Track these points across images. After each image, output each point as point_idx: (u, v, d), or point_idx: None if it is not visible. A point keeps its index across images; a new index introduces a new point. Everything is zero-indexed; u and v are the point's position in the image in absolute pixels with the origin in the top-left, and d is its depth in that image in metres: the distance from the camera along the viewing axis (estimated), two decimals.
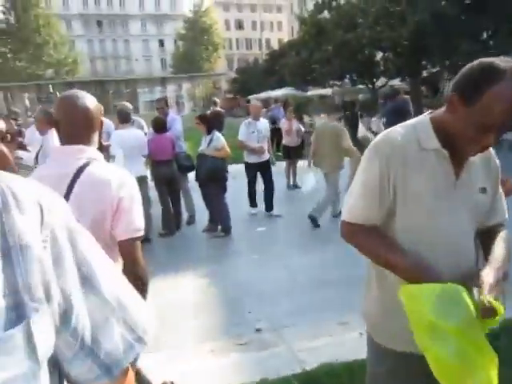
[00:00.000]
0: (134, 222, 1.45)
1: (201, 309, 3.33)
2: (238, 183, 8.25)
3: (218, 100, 10.13)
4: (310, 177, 6.62)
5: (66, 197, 1.40)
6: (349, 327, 2.81)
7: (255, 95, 33.21)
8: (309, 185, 6.86)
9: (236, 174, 9.27)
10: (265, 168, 5.87)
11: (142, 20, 62.10)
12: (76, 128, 1.49)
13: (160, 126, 5.29)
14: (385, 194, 1.17)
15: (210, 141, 5.09)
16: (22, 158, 4.50)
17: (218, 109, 9.77)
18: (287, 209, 6.16)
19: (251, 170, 5.88)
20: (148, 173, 5.28)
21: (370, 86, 20.23)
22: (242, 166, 10.04)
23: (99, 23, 61.02)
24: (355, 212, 1.25)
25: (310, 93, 26.01)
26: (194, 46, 50.92)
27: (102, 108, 1.63)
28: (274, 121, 11.28)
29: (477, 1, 11.91)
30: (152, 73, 53.17)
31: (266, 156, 5.86)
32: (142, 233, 1.46)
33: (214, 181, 5.08)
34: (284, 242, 5.00)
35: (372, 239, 1.23)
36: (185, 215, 5.74)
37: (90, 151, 1.51)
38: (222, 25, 60.17)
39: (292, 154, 7.76)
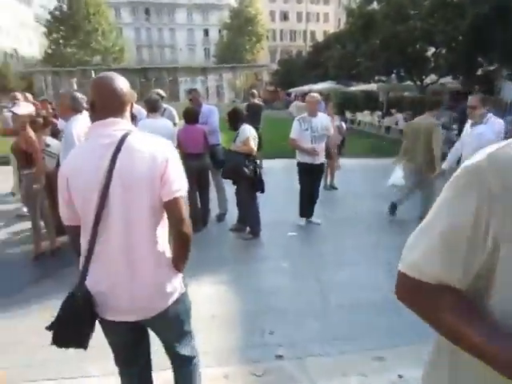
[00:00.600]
0: (179, 181, 1.53)
1: (215, 322, 3.01)
2: (272, 181, 7.88)
3: (256, 92, 9.77)
4: (396, 172, 6.11)
5: (112, 165, 1.45)
6: (386, 366, 2.39)
7: (296, 88, 32.62)
8: (393, 180, 6.29)
9: (271, 170, 8.96)
10: (316, 172, 5.23)
11: (189, 9, 62.45)
12: (110, 106, 1.54)
13: (191, 116, 5.01)
14: (477, 247, 0.74)
15: (237, 135, 4.76)
16: (49, 145, 4.37)
17: (256, 101, 9.43)
18: (323, 212, 5.71)
19: (303, 170, 5.17)
20: None
21: (419, 83, 19.12)
22: (276, 162, 9.81)
23: (147, 11, 61.97)
24: (423, 265, 0.80)
25: (353, 88, 25.07)
26: (238, 37, 50.67)
27: (135, 95, 1.67)
28: None
29: None
30: (195, 62, 53.44)
31: (321, 159, 5.17)
32: (185, 192, 1.55)
33: (236, 178, 4.77)
34: (317, 251, 4.56)
35: (447, 307, 0.78)
36: (217, 211, 5.46)
37: (126, 123, 1.57)
38: (267, 16, 59.50)
39: (331, 153, 7.28)
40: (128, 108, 1.61)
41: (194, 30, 63.24)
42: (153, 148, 1.51)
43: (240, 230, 5.02)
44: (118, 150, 1.47)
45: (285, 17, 64.02)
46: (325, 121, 5.15)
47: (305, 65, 37.20)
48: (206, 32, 63.26)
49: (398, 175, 5.83)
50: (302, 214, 5.35)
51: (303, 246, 4.71)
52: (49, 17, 46.48)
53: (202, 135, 5.02)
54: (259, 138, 9.08)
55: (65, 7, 45.15)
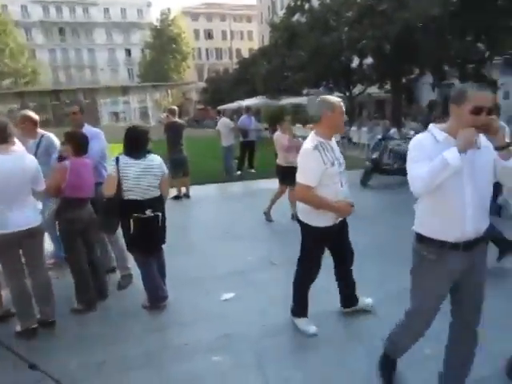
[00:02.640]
0: None
1: None
2: (201, 215, 6.44)
3: (175, 108, 8.21)
4: None
5: None
6: None
7: (226, 105, 31.73)
8: None
9: (199, 200, 7.45)
10: (342, 232, 3.06)
11: (108, 29, 59.71)
12: None
13: (78, 145, 3.51)
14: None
15: None
16: None
17: (176, 119, 7.94)
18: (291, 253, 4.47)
19: (323, 238, 2.92)
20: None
21: (348, 93, 19.03)
22: (206, 189, 8.39)
23: (61, 31, 58.19)
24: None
25: (283, 101, 24.67)
26: (162, 55, 49.24)
27: None
28: (245, 133, 9.70)
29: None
30: (118, 82, 50.82)
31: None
32: None
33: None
34: (273, 324, 3.26)
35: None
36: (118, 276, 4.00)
37: None
38: (191, 34, 59.01)
39: (291, 177, 6.00)
40: None
41: (116, 50, 60.49)
42: None
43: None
44: None
45: (209, 35, 63.81)
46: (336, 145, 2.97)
47: (233, 82, 36.59)
48: (129, 52, 60.82)
49: None
50: (299, 312, 3.08)
51: (247, 315, 3.37)
52: None
53: (92, 171, 3.57)
54: (184, 162, 7.75)
55: None
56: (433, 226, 1.97)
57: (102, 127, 8.62)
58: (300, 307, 3.05)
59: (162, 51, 49.81)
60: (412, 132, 11.33)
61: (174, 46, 51.59)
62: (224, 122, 9.35)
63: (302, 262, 3.00)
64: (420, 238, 2.02)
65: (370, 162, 8.18)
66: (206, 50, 64.08)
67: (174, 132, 7.39)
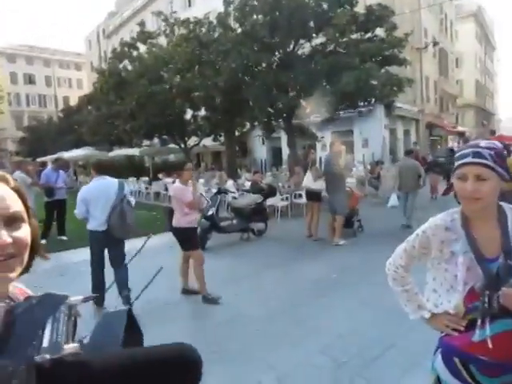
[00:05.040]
0: None
1: None
2: None
3: None
4: None
5: None
6: None
7: (47, 157, 27.75)
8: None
9: None
10: None
11: None
12: None
13: None
14: None
15: None
16: None
17: None
18: None
19: None
20: None
21: (183, 145, 18.40)
22: None
23: None
24: None
25: (113, 153, 22.70)
26: None
27: None
28: (49, 191, 7.66)
29: (283, 59, 11.41)
30: None
31: None
32: None
33: None
34: None
35: None
36: None
37: None
38: (7, 77, 52.27)
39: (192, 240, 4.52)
40: None
41: None
42: None
43: None
44: None
45: (30, 80, 57.40)
46: None
47: (58, 131, 32.82)
48: None
49: None
50: None
51: None
52: None
53: None
54: None
55: None
56: None
57: None
58: None
59: None
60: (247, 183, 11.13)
61: None
62: (18, 178, 7.16)
63: None
64: None
65: (205, 220, 7.16)
66: (27, 95, 57.38)
67: None
